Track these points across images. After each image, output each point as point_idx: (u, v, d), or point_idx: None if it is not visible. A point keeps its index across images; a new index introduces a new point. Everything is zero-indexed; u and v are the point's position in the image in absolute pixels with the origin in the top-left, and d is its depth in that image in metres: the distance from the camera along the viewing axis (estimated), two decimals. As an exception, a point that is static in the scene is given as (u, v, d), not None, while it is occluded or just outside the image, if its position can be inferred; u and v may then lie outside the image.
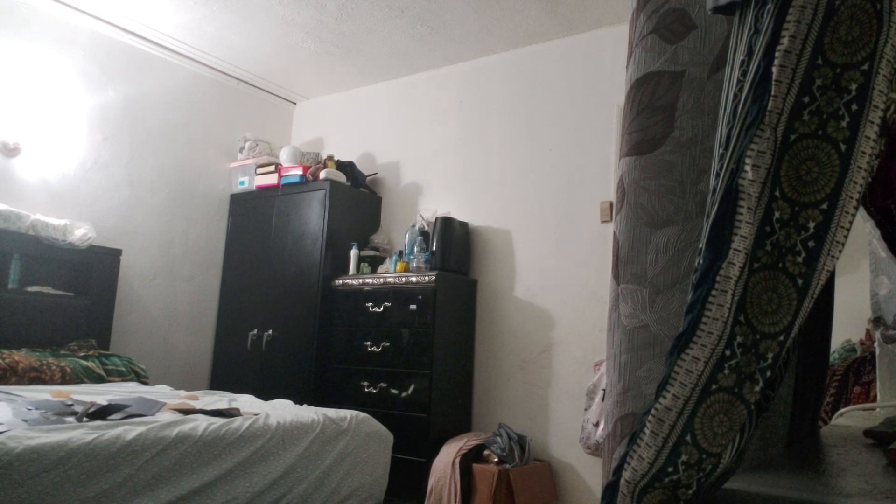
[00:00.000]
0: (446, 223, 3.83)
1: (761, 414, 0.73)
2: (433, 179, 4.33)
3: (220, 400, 2.95)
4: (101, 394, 2.72)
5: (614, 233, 1.01)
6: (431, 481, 3.32)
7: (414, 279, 3.69)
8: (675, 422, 0.71)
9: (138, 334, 4.06)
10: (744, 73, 0.74)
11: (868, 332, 2.51)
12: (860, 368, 2.40)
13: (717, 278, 0.71)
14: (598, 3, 3.54)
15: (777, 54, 0.69)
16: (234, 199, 4.62)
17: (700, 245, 0.76)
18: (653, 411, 0.73)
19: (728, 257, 0.70)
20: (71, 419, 2.06)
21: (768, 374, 0.69)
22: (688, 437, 0.70)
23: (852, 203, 0.68)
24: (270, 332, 4.12)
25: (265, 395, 3.34)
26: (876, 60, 0.67)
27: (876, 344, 1.94)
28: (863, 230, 1.77)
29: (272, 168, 4.39)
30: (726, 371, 0.70)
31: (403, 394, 3.59)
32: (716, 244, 0.72)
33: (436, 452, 3.42)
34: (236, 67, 4.59)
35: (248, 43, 4.21)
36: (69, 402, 2.33)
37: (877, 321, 1.83)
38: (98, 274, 3.72)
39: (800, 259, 0.69)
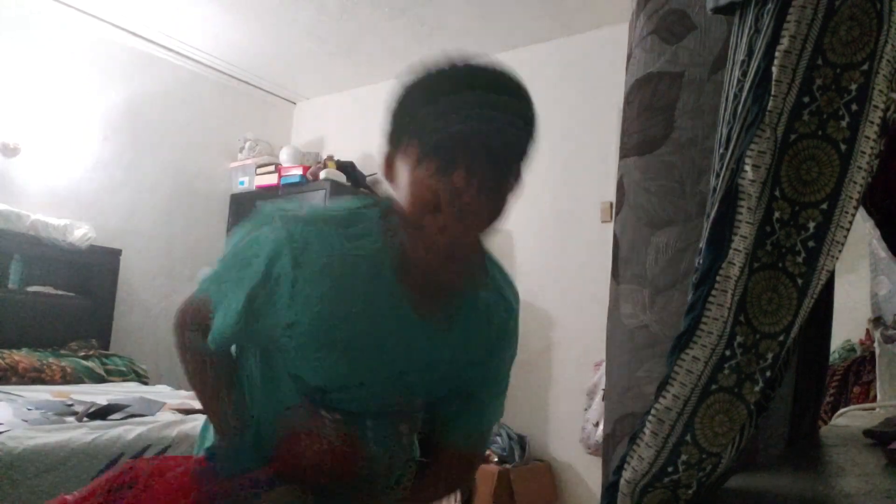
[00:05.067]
0: (446, 223, 3.82)
1: (761, 414, 0.73)
2: (433, 179, 4.32)
3: (221, 400, 2.94)
4: (101, 394, 2.71)
5: (614, 233, 1.01)
6: (431, 481, 3.32)
7: (414, 279, 3.68)
8: (675, 422, 0.71)
9: (139, 334, 4.06)
10: (744, 73, 0.74)
11: (868, 332, 2.51)
12: (860, 368, 2.40)
13: (718, 278, 0.71)
14: (598, 3, 3.54)
15: (777, 54, 0.69)
16: (235, 199, 4.61)
17: (700, 245, 0.76)
18: (653, 411, 0.73)
19: (728, 257, 0.70)
20: (71, 419, 2.06)
21: (768, 374, 0.69)
22: (688, 437, 0.70)
23: (852, 203, 0.68)
24: (270, 332, 4.11)
25: (265, 395, 3.33)
26: (876, 60, 0.67)
27: (876, 344, 1.94)
28: (863, 230, 1.78)
29: (272, 168, 4.38)
30: (726, 371, 0.70)
31: (403, 394, 3.58)
32: (716, 244, 0.72)
33: (436, 452, 3.41)
34: (236, 67, 4.59)
35: (249, 43, 4.20)
36: (69, 402, 2.33)
37: (877, 321, 1.83)
38: (98, 274, 3.71)
39: (800, 259, 0.69)
